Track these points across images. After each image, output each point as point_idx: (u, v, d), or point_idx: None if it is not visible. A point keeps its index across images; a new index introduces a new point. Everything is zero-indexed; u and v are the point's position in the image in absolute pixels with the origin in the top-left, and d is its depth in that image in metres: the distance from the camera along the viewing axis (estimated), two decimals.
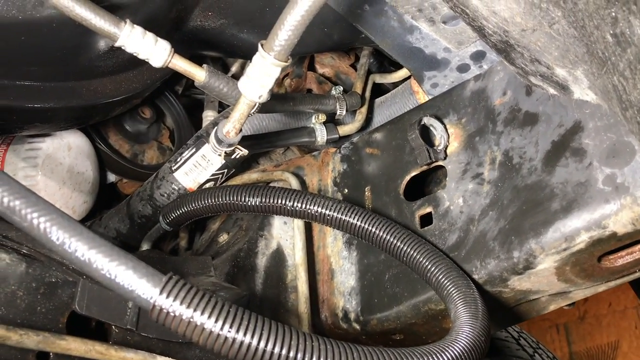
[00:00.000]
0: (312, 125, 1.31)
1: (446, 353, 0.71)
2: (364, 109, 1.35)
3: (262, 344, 0.60)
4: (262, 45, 0.84)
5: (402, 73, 1.39)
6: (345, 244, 1.10)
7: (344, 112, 1.29)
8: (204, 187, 1.16)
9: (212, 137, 1.03)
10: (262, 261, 1.14)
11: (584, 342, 3.41)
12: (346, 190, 1.15)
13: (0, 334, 0.64)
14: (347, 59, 1.52)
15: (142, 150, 1.47)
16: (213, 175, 1.14)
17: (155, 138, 1.51)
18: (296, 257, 1.08)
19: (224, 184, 1.19)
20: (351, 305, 1.04)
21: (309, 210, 0.98)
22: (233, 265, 1.14)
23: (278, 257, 1.15)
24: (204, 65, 0.96)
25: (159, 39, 0.89)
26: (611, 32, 0.59)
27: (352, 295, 1.04)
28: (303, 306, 1.04)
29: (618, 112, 0.73)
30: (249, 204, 1.02)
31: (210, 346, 0.59)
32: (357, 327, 1.03)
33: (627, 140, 0.76)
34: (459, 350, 0.72)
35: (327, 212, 0.97)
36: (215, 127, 1.02)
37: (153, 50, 0.88)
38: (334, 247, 1.11)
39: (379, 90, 1.46)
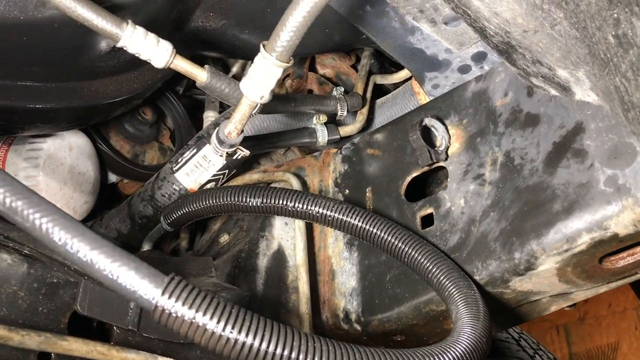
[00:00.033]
0: (313, 126, 1.31)
1: (448, 354, 0.71)
2: (365, 110, 1.35)
3: (264, 345, 0.60)
4: (264, 46, 0.84)
5: (403, 74, 1.39)
6: (346, 245, 1.10)
7: (345, 112, 1.29)
8: (205, 187, 1.16)
9: (213, 138, 1.03)
10: (263, 262, 1.14)
11: (583, 343, 3.41)
12: (347, 191, 1.15)
13: (2, 335, 0.64)
14: (347, 59, 1.52)
15: (143, 150, 1.47)
16: (214, 175, 1.14)
17: (156, 138, 1.51)
18: (297, 257, 1.08)
19: (225, 185, 1.19)
20: (352, 306, 1.04)
21: (310, 211, 0.98)
22: (234, 265, 1.14)
23: (279, 258, 1.15)
24: (206, 66, 0.96)
25: (160, 39, 0.89)
26: (613, 33, 0.59)
27: (353, 296, 1.04)
28: (304, 307, 1.04)
29: (620, 113, 0.73)
30: (250, 204, 1.02)
31: (212, 347, 0.59)
32: (358, 328, 1.03)
33: (628, 142, 0.76)
34: (460, 352, 0.72)
35: (328, 212, 0.97)
36: (217, 128, 1.02)
37: (155, 51, 0.88)
38: (335, 247, 1.11)
39: (380, 91, 1.46)
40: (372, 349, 0.67)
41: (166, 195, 1.19)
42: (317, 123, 1.31)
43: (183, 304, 0.59)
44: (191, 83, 1.54)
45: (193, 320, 0.59)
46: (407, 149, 1.07)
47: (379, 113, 1.39)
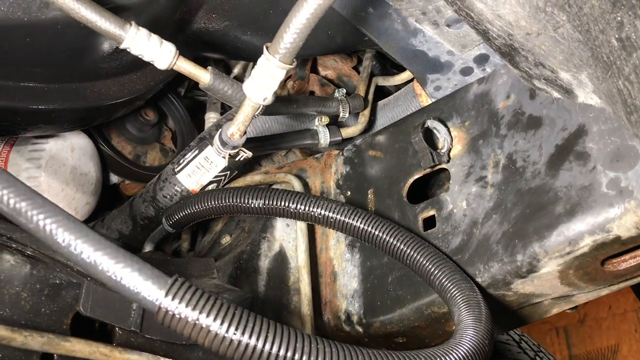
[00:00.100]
0: (315, 128, 1.31)
1: (450, 356, 0.71)
2: (366, 112, 1.35)
3: (267, 347, 0.60)
4: (267, 47, 0.85)
5: (405, 76, 1.39)
6: (348, 247, 1.10)
7: (347, 114, 1.29)
8: (206, 189, 1.17)
9: (216, 139, 1.03)
10: (264, 263, 1.14)
11: (583, 345, 3.41)
12: (349, 193, 1.15)
13: (4, 335, 0.64)
14: (349, 61, 1.52)
15: (145, 151, 1.47)
16: (216, 177, 1.14)
17: (157, 140, 1.51)
18: (299, 259, 1.08)
19: (226, 186, 1.19)
20: (354, 307, 1.04)
21: (312, 213, 0.99)
22: (236, 267, 1.14)
23: (281, 259, 1.15)
24: (209, 68, 0.96)
25: (164, 41, 0.89)
26: (617, 36, 0.59)
27: (355, 297, 1.04)
28: (306, 308, 1.04)
29: (622, 116, 0.73)
30: (252, 206, 1.02)
31: (215, 348, 0.59)
32: (360, 329, 1.03)
33: (631, 144, 0.76)
34: (462, 353, 0.72)
35: (330, 214, 0.97)
36: (220, 129, 1.02)
37: (158, 52, 0.88)
38: (336, 249, 1.11)
39: (382, 92, 1.46)
40: (373, 350, 0.67)
41: (168, 197, 1.19)
42: (319, 125, 1.31)
43: (187, 306, 0.59)
44: (193, 84, 1.55)
45: (197, 322, 0.59)
46: (409, 150, 1.07)
47: (380, 115, 1.39)
